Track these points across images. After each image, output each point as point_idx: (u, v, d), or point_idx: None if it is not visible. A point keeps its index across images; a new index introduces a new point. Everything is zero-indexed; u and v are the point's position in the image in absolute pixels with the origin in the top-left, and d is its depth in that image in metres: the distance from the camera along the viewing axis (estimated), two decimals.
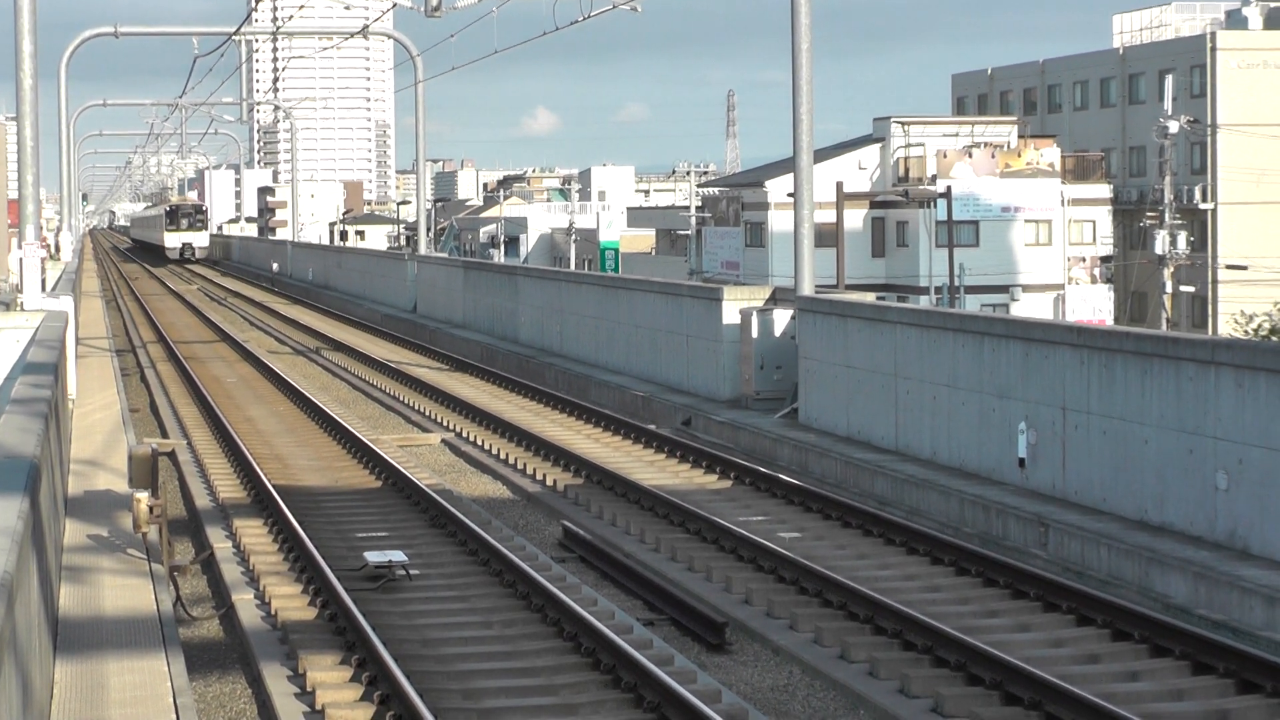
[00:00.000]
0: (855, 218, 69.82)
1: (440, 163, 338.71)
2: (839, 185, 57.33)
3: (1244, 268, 66.72)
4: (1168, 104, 63.79)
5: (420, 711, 12.33)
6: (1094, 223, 73.30)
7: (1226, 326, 67.07)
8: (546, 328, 39.90)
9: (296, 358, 44.12)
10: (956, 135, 74.96)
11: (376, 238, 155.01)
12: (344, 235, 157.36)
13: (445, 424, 30.02)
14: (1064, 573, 17.13)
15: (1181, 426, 17.43)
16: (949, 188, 66.17)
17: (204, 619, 16.52)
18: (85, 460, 22.57)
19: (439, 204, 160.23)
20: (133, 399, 33.06)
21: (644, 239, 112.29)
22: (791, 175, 28.31)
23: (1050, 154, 72.86)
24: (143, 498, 16.46)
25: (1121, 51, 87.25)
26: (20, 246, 31.04)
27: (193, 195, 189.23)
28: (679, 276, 76.21)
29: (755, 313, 28.08)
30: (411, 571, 17.46)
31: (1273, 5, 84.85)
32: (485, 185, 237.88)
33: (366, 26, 49.70)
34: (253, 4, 57.01)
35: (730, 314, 29.18)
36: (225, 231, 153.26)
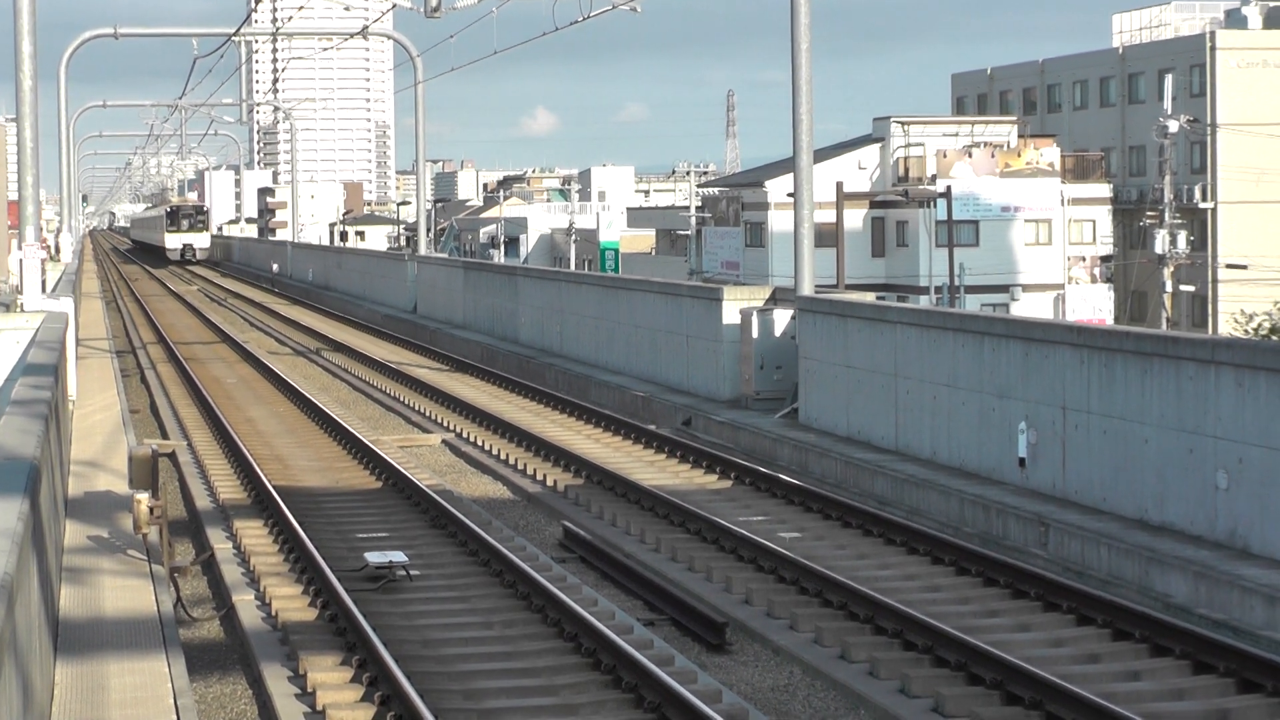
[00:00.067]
0: (855, 218, 69.82)
1: (440, 163, 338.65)
2: (839, 185, 57.34)
3: (1244, 267, 66.71)
4: (1167, 103, 63.79)
5: (421, 712, 12.33)
6: (1094, 222, 73.31)
7: (1226, 326, 67.09)
8: (546, 328, 39.91)
9: (297, 358, 44.13)
10: (956, 135, 74.97)
11: (376, 238, 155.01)
12: (344, 236, 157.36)
13: (445, 424, 30.03)
14: (1064, 572, 17.13)
15: (1181, 426, 17.44)
16: (949, 187, 66.18)
17: (204, 620, 16.52)
18: (85, 461, 22.57)
19: (439, 204, 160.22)
20: (133, 400, 33.07)
21: (644, 239, 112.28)
22: (791, 175, 28.31)
23: (1050, 153, 72.87)
24: (143, 499, 16.45)
25: (1121, 51, 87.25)
26: (20, 248, 31.04)
27: (193, 196, 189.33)
28: (679, 277, 76.21)
29: (755, 313, 28.08)
30: (412, 572, 17.46)
31: (1272, 5, 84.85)
32: (485, 186, 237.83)
33: (366, 27, 49.69)
34: (252, 5, 57.00)
35: (730, 314, 29.18)
36: (225, 232, 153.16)
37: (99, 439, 24.72)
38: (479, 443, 27.63)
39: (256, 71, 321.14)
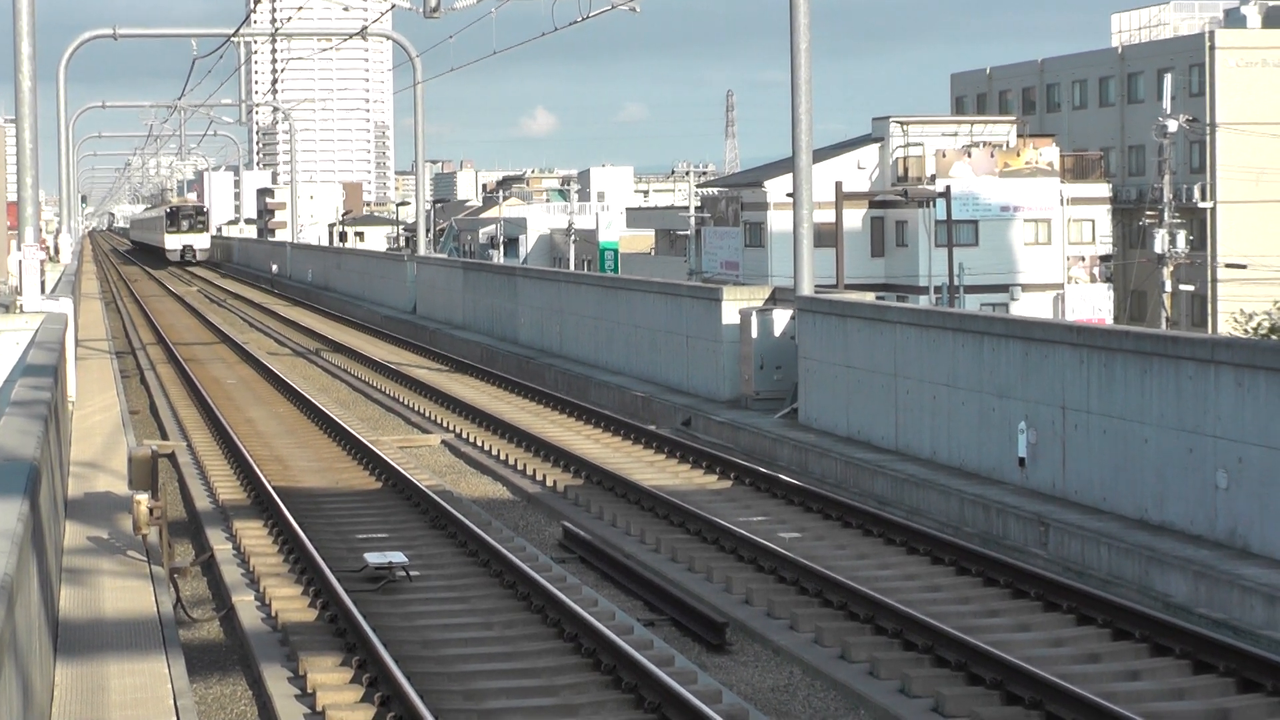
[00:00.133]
0: (854, 217, 69.81)
1: (439, 163, 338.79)
2: (838, 185, 57.33)
3: (1243, 266, 66.72)
4: (1166, 103, 63.80)
5: (421, 713, 12.33)
6: (1093, 222, 73.31)
7: (1226, 325, 67.12)
8: (546, 328, 39.91)
9: (296, 359, 44.12)
10: (955, 135, 74.98)
11: (376, 239, 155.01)
12: (343, 236, 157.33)
13: (445, 425, 30.03)
14: (1064, 572, 17.13)
15: (1181, 425, 17.44)
16: (948, 187, 66.19)
17: (204, 621, 16.52)
18: (85, 462, 22.56)
19: (438, 205, 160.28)
20: (132, 401, 33.06)
21: (643, 239, 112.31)
22: (790, 175, 28.30)
23: (1049, 153, 72.87)
24: (143, 500, 16.45)
25: (1120, 50, 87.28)
26: (19, 249, 31.03)
27: (192, 197, 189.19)
28: (678, 277, 76.22)
29: (755, 313, 28.08)
30: (412, 573, 17.46)
31: (1271, 4, 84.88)
32: (484, 186, 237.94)
33: (365, 28, 49.69)
34: (251, 5, 56.99)
35: (730, 314, 29.18)
36: (224, 233, 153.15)
37: (98, 440, 24.71)
38: (479, 443, 27.62)
39: (255, 72, 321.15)
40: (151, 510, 16.50)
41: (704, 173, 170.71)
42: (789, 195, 31.53)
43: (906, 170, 73.52)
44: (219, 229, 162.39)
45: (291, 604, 16.30)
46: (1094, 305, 71.34)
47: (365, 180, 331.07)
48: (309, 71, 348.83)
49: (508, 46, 42.03)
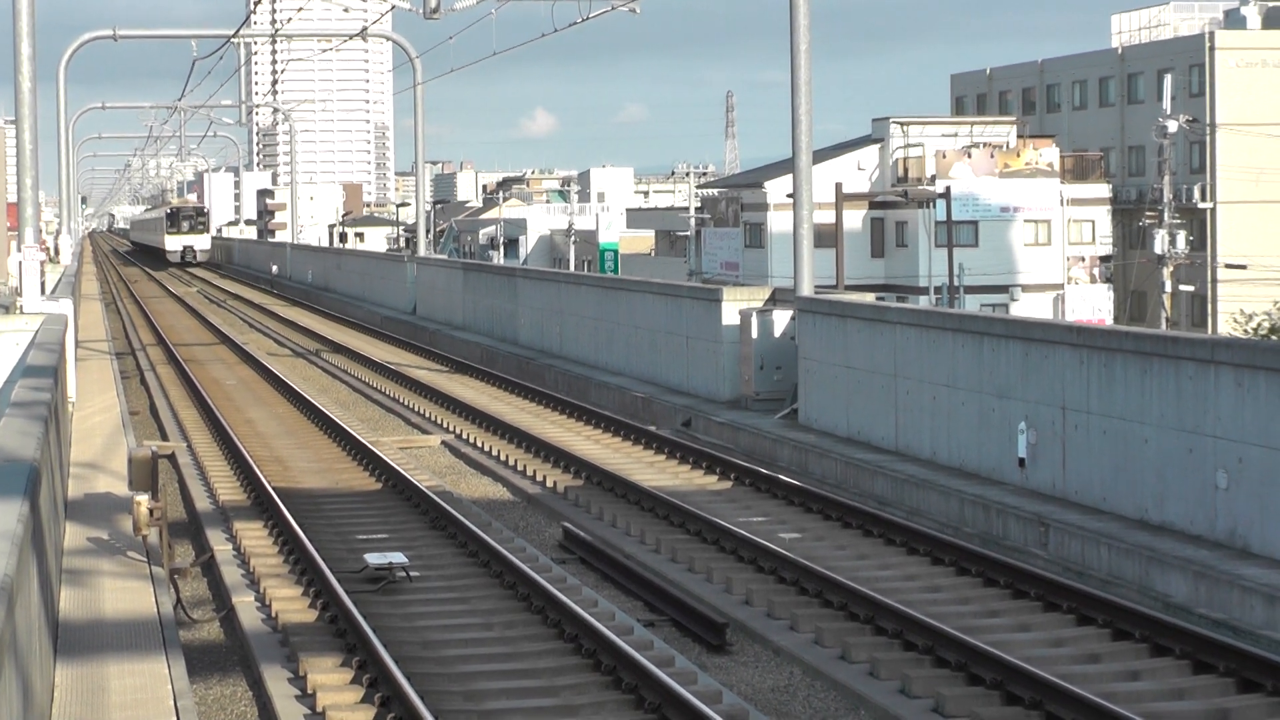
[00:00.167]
0: (854, 218, 69.82)
1: (439, 164, 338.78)
2: (838, 186, 57.33)
3: (1243, 267, 66.73)
4: (1166, 103, 63.80)
5: (421, 713, 12.33)
6: (1093, 222, 73.32)
7: (1226, 325, 67.14)
8: (546, 329, 39.91)
9: (296, 360, 44.12)
10: (955, 135, 74.98)
11: (376, 240, 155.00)
12: (343, 237, 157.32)
13: (445, 426, 30.03)
14: (1064, 572, 17.13)
15: (1181, 426, 17.44)
16: (948, 188, 66.18)
17: (204, 621, 16.52)
18: (85, 463, 22.56)
19: (438, 206, 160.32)
20: (132, 402, 33.06)
21: (643, 240, 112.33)
22: (790, 176, 28.31)
23: (1049, 154, 72.88)
24: (143, 500, 16.45)
25: (1120, 51, 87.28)
26: (19, 250, 31.03)
27: (192, 198, 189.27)
28: (678, 277, 76.20)
29: (755, 313, 28.08)
30: (412, 573, 17.46)
31: (1271, 4, 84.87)
32: (484, 187, 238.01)
33: (365, 29, 49.69)
34: (251, 6, 57.02)
35: (730, 315, 29.18)
36: (224, 234, 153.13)
37: (98, 441, 24.71)
38: (479, 444, 27.63)
39: (256, 73, 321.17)
40: (151, 511, 16.50)
41: (704, 173, 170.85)
42: (789, 196, 31.54)
43: (906, 171, 73.52)
44: (219, 230, 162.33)
45: (292, 605, 16.30)
46: (1094, 306, 71.34)
47: (365, 181, 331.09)
48: (309, 72, 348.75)
49: (507, 47, 42.15)
